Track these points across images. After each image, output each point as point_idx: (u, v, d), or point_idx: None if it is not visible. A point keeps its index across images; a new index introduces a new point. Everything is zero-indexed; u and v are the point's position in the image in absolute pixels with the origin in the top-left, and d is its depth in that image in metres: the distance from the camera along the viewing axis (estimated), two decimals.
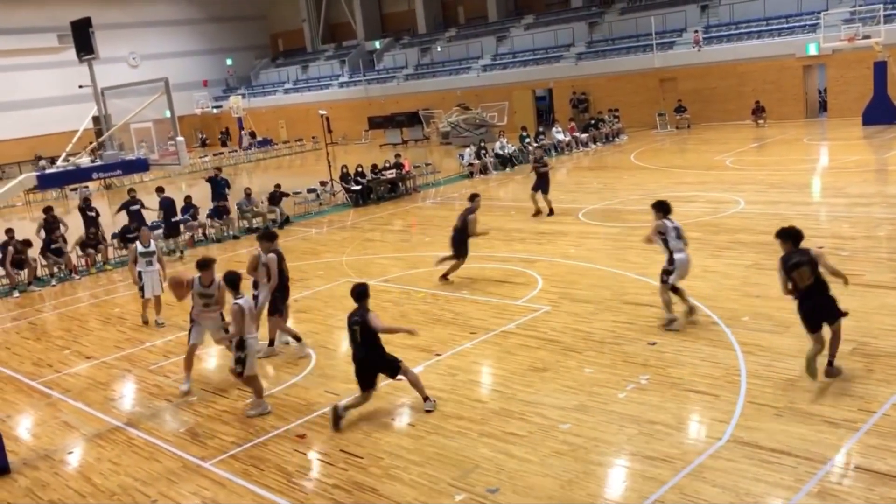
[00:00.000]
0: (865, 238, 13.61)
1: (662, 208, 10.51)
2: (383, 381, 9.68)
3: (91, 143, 10.86)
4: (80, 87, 12.38)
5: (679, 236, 10.38)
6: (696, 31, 35.41)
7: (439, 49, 48.05)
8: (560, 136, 30.82)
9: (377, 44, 53.07)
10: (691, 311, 10.60)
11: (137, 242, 13.38)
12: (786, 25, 33.41)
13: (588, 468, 7.15)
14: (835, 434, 7.22)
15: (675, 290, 10.54)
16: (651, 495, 6.58)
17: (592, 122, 33.27)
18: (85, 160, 9.63)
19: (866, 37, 28.30)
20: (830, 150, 23.04)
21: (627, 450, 7.39)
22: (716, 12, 36.98)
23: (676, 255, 10.35)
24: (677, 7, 38.13)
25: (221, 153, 45.39)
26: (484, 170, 27.28)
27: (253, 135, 48.74)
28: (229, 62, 61.06)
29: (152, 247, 13.29)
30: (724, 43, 34.81)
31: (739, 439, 7.31)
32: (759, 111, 31.88)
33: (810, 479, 6.54)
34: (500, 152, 28.26)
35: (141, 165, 10.05)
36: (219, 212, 21.25)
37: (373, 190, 24.15)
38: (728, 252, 13.71)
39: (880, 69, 28.03)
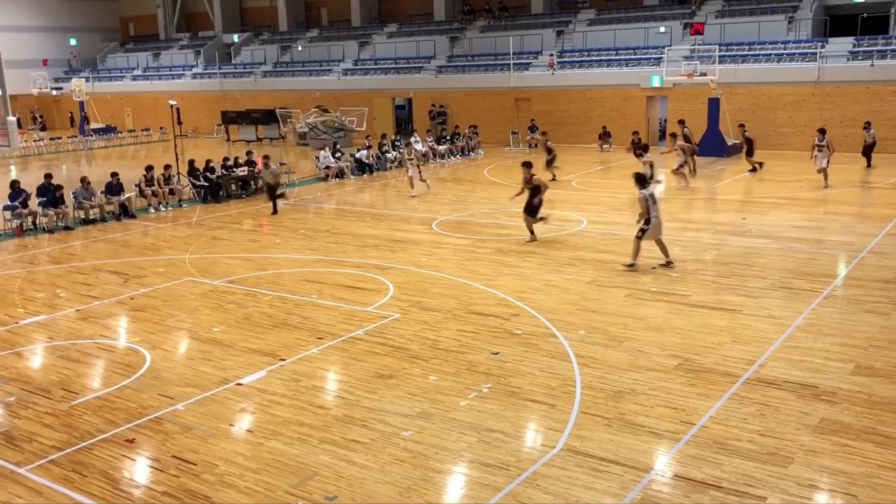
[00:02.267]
0: (693, 261, 14.60)
1: (641, 180, 13.72)
2: (221, 386, 9.38)
3: None
4: None
5: (655, 202, 13.56)
6: (552, 55, 36.84)
7: (300, 48, 47.33)
8: (418, 147, 31.10)
9: (235, 37, 51.59)
10: (669, 264, 13.81)
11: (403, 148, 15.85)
12: (633, 57, 35.41)
13: (427, 475, 7.22)
14: (658, 444, 7.68)
15: (660, 245, 13.90)
16: (486, 502, 6.73)
17: (447, 137, 33.80)
18: None
19: (703, 74, 30.51)
20: (667, 178, 24.55)
21: (466, 457, 7.53)
22: (570, 38, 38.62)
23: (652, 218, 13.53)
24: (535, 30, 39.51)
25: (59, 137, 42.52)
26: (340, 174, 27.07)
27: (86, 120, 45.81)
28: (73, 42, 57.34)
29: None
30: (576, 69, 36.40)
31: (572, 448, 7.62)
32: (604, 136, 33.53)
33: (635, 486, 6.91)
34: (362, 159, 28.18)
35: None
36: (54, 201, 19.86)
37: (222, 186, 23.40)
38: (569, 268, 14.30)
39: (714, 105, 30.26)
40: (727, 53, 32.49)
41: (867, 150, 25.85)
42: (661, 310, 11.74)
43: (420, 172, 23.39)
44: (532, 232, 16.55)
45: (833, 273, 13.52)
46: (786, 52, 31.62)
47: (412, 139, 31.84)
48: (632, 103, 34.53)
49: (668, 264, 13.97)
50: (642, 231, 13.74)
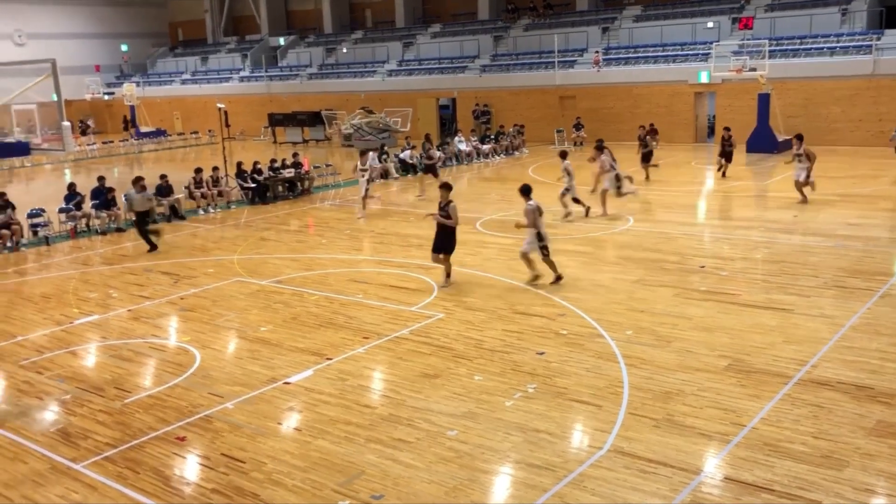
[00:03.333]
0: (743, 259, 14.33)
1: (526, 191, 13.26)
2: (269, 385, 9.50)
3: None
4: None
5: (542, 213, 12.98)
6: (597, 52, 36.52)
7: (345, 50, 47.70)
8: (462, 147, 31.11)
9: (281, 40, 52.21)
10: (558, 279, 13.17)
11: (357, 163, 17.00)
12: (680, 53, 34.90)
13: (473, 475, 7.20)
14: (708, 446, 7.55)
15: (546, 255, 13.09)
16: (532, 503, 6.69)
17: (491, 136, 33.72)
18: None
19: (752, 69, 29.94)
20: (715, 175, 24.19)
21: (512, 457, 7.50)
22: (616, 35, 38.26)
23: (541, 232, 12.92)
24: (580, 28, 39.22)
25: (111, 141, 43.53)
26: (385, 174, 27.22)
27: (129, 123, 46.76)
28: (125, 48, 58.70)
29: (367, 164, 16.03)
30: (622, 65, 36.03)
31: (619, 449, 7.54)
32: (652, 133, 33.09)
33: (684, 488, 6.80)
34: (405, 159, 28.32)
35: (21, 149, 9.52)
36: (106, 203, 20.33)
37: (269, 188, 23.69)
38: (616, 267, 14.15)
39: (764, 100, 29.69)
40: (777, 48, 31.84)
41: None
42: (711, 309, 11.54)
43: (367, 192, 20.39)
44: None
45: (889, 271, 13.15)
46: (839, 44, 30.87)
47: (456, 139, 31.86)
48: (679, 100, 34.06)
49: (557, 279, 13.14)
50: (544, 249, 12.96)
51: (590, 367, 9.56)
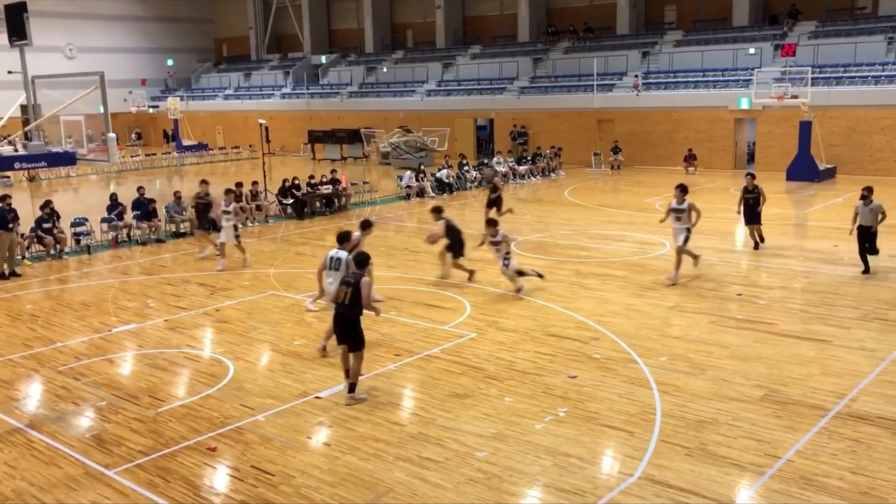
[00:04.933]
0: (781, 289, 14.11)
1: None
2: (300, 399, 9.54)
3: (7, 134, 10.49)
4: (10, 72, 11.97)
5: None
6: (636, 76, 36.41)
7: (385, 70, 48.17)
8: (499, 168, 31.16)
9: (323, 58, 52.90)
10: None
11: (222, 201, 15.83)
12: (721, 79, 34.66)
13: (501, 497, 7.15)
14: (741, 477, 7.41)
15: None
16: None
17: (528, 157, 33.72)
18: (6, 149, 9.29)
19: (794, 96, 29.59)
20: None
21: (541, 481, 7.43)
22: (656, 59, 38.13)
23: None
24: (619, 51, 39.17)
25: (154, 154, 44.35)
26: (421, 193, 27.35)
27: (168, 136, 47.71)
28: (170, 63, 59.94)
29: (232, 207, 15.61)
30: (661, 90, 35.87)
31: (651, 477, 7.43)
32: (690, 158, 32.86)
33: None
34: (442, 178, 28.46)
35: (68, 159, 9.75)
36: (147, 214, 20.69)
37: (307, 204, 23.93)
38: (651, 292, 14.02)
39: (805, 128, 29.30)
40: (820, 76, 31.46)
41: None
42: (747, 338, 11.37)
43: (237, 236, 16.93)
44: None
45: None
46: (884, 73, 30.41)
47: (494, 160, 31.92)
48: (719, 125, 33.79)
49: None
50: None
51: (622, 393, 9.47)
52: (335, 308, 9.53)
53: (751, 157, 34.76)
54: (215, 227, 21.42)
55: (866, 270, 14.90)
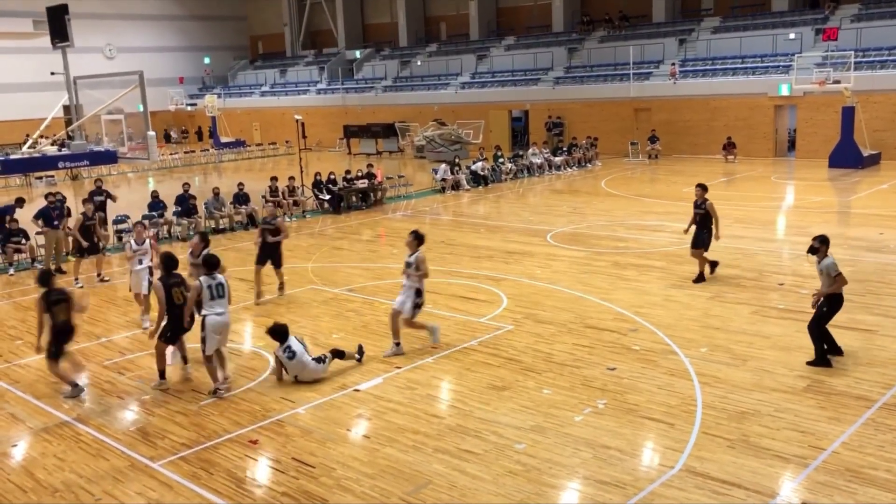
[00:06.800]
0: None
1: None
2: (340, 392, 9.62)
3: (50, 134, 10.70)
4: (52, 73, 12.24)
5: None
6: (673, 64, 35.95)
7: (419, 63, 48.19)
8: (535, 159, 31.03)
9: (358, 53, 53.09)
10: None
11: (131, 239, 12.99)
12: (760, 65, 34.06)
13: (540, 489, 7.14)
14: (784, 469, 7.31)
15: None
16: None
17: (564, 148, 33.50)
18: (51, 148, 9.49)
19: (836, 82, 28.96)
20: (796, 190, 23.49)
21: (581, 473, 7.40)
22: (693, 47, 37.60)
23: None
24: (656, 39, 38.70)
25: (193, 151, 44.96)
26: (456, 186, 27.35)
27: (202, 134, 48.06)
28: (207, 61, 60.65)
29: (146, 244, 12.86)
30: (699, 77, 35.37)
31: (692, 469, 7.36)
32: (729, 147, 32.36)
33: None
34: (477, 171, 28.42)
35: (109, 157, 9.93)
36: (187, 210, 20.97)
37: (343, 198, 24.07)
38: (690, 283, 13.84)
39: (848, 114, 28.67)
40: (863, 59, 30.74)
41: None
42: (789, 328, 11.19)
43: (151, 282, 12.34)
44: (704, 270, 13.87)
45: None
46: None
47: (529, 152, 31.78)
48: (759, 112, 33.22)
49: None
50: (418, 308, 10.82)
51: (662, 385, 9.38)
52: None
53: (791, 145, 34.14)
54: (253, 222, 21.61)
55: None
